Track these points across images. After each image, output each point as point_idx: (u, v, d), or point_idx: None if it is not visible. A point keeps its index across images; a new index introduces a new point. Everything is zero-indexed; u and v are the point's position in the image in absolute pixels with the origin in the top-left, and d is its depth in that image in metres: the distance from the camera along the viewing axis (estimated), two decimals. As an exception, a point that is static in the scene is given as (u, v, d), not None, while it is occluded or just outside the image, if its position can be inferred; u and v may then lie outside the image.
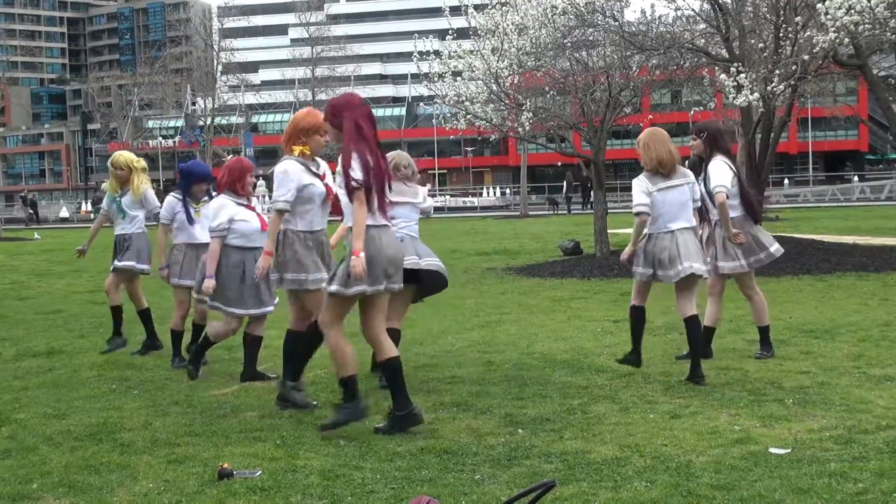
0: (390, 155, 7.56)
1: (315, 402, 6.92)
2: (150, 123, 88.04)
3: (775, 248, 8.22)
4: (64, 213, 65.03)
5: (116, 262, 9.45)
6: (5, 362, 9.17)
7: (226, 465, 5.26)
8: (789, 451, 5.39)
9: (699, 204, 7.86)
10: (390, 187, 6.30)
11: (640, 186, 7.54)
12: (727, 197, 7.88)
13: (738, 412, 6.33)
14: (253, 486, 5.03)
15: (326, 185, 6.83)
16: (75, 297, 15.03)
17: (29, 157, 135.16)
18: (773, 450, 5.42)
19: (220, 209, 7.61)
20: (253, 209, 7.78)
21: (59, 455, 5.75)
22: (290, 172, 6.68)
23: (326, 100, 57.44)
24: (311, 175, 6.76)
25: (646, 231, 7.61)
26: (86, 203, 79.58)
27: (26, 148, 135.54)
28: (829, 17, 14.14)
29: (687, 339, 7.59)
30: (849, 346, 8.60)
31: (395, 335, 7.03)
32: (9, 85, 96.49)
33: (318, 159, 6.97)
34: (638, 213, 7.55)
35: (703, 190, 7.99)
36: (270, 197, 7.17)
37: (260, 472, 5.28)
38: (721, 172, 7.93)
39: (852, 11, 13.97)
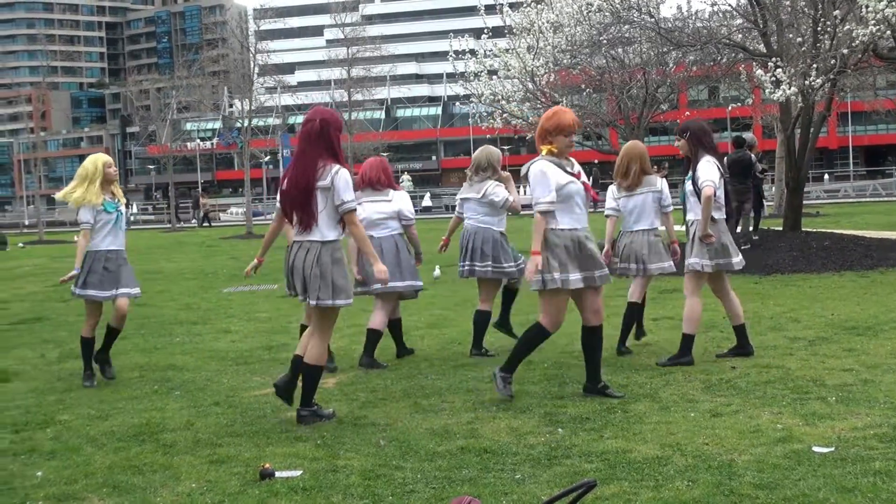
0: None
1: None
2: (188, 126, 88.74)
3: (738, 260, 8.07)
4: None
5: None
6: (49, 364, 9.29)
7: (267, 466, 5.29)
8: (833, 449, 5.34)
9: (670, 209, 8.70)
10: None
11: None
12: (714, 193, 7.81)
13: (780, 410, 6.27)
14: (294, 485, 5.05)
15: (584, 184, 6.94)
16: (116, 298, 15.17)
17: (69, 160, 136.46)
18: (816, 448, 5.36)
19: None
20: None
21: (102, 456, 5.81)
22: (547, 173, 6.75)
23: (363, 101, 57.60)
24: (567, 174, 6.81)
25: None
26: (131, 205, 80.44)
27: (66, 151, 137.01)
28: (869, 9, 13.99)
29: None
30: (892, 342, 8.50)
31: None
32: (49, 90, 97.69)
33: (571, 158, 7.02)
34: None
35: (689, 187, 7.99)
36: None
37: (301, 471, 5.30)
38: (710, 170, 7.86)
39: (893, 3, 13.81)
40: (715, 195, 7.83)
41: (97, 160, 8.24)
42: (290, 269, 6.51)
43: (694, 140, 8.05)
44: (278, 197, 6.71)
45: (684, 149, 8.14)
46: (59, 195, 8.40)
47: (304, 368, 6.49)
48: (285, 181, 6.50)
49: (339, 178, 6.33)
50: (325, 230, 6.36)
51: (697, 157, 7.99)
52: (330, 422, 6.45)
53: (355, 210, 6.45)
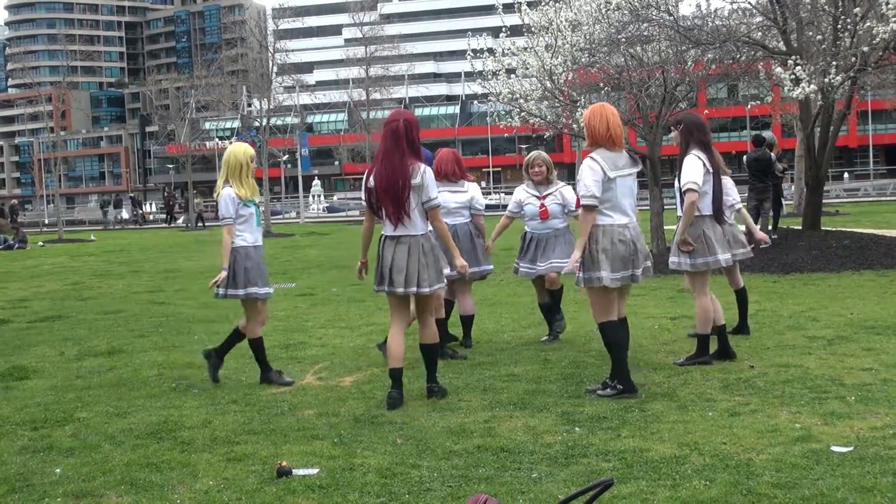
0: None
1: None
2: (207, 125, 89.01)
3: (725, 257, 7.95)
4: (124, 214, 66.12)
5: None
6: (68, 362, 9.33)
7: (284, 464, 5.30)
8: (852, 449, 5.31)
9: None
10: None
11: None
12: (697, 195, 7.73)
13: (798, 410, 6.24)
14: (311, 483, 5.06)
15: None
16: (135, 297, 15.25)
17: (89, 159, 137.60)
18: (835, 448, 5.34)
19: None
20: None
21: (120, 453, 5.84)
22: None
23: (381, 99, 57.66)
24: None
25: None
26: (147, 205, 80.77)
27: (86, 151, 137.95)
28: (890, 6, 13.90)
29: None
30: (912, 342, 8.45)
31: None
32: (69, 89, 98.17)
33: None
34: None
35: (676, 185, 7.94)
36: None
37: (318, 469, 5.31)
38: (692, 168, 7.73)
39: (914, 1, 13.73)
40: (699, 195, 7.76)
41: (245, 153, 7.81)
42: (389, 263, 6.79)
43: (685, 133, 7.90)
44: (364, 195, 7.01)
45: (676, 140, 8.05)
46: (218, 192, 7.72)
47: (427, 349, 6.96)
48: (371, 179, 6.84)
49: (428, 176, 6.78)
50: (421, 224, 6.82)
51: (685, 151, 7.88)
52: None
53: (440, 206, 6.93)
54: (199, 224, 48.00)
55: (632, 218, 6.97)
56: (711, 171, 7.80)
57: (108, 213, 61.18)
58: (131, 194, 67.74)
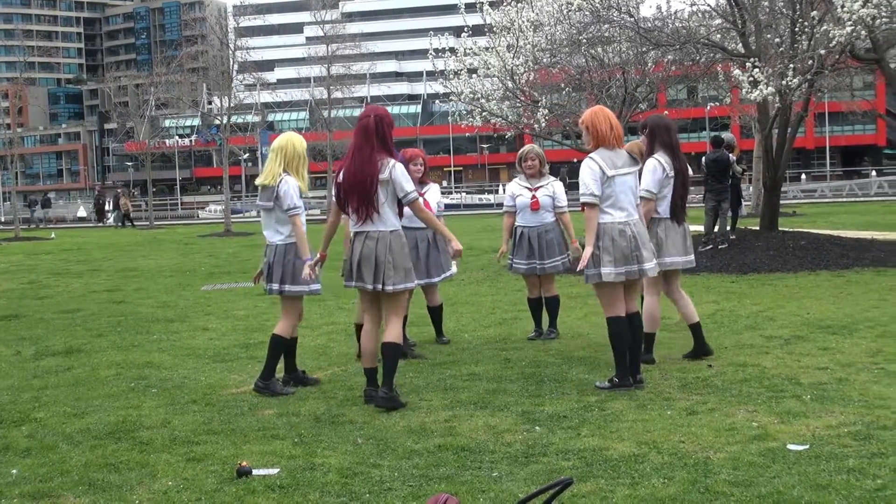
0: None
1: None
2: (167, 123, 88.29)
3: (674, 259, 7.94)
4: (81, 212, 65.46)
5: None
6: (25, 361, 9.23)
7: (244, 463, 5.28)
8: (807, 447, 5.38)
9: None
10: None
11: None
12: (653, 201, 7.81)
13: (755, 409, 6.31)
14: (271, 483, 5.05)
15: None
16: (93, 296, 15.11)
17: (46, 157, 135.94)
18: (791, 446, 5.40)
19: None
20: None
21: (78, 453, 5.78)
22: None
23: (343, 98, 57.40)
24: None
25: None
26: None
27: (44, 148, 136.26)
28: (845, 10, 14.08)
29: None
30: (867, 341, 8.57)
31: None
32: (26, 85, 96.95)
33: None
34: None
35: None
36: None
37: (278, 469, 5.30)
38: (648, 174, 7.80)
39: (869, 4, 13.91)
40: (656, 196, 7.82)
41: (303, 145, 7.55)
42: (357, 258, 6.76)
43: (650, 135, 7.99)
44: (334, 190, 6.99)
45: (644, 143, 8.14)
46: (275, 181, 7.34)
47: (387, 347, 6.73)
48: (341, 174, 6.82)
49: (397, 171, 6.73)
50: (390, 220, 6.76)
51: (650, 153, 7.96)
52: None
53: (419, 199, 6.83)
54: (128, 223, 47.81)
55: (632, 214, 7.10)
56: (672, 174, 7.86)
57: (34, 211, 60.31)
58: (118, 190, 67.09)
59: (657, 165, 7.82)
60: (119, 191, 59.88)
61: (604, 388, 7.00)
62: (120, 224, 48.48)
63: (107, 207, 58.54)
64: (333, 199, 7.02)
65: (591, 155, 7.11)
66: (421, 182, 9.04)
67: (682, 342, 8.75)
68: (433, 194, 9.18)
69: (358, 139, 6.81)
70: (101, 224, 54.69)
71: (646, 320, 7.90)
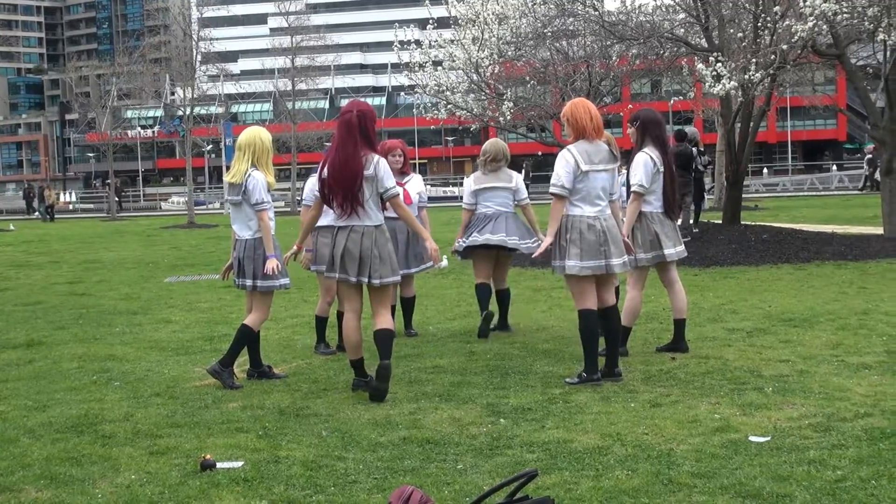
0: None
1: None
2: (129, 113, 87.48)
3: (670, 251, 8.00)
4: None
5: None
6: (-16, 354, 9.12)
7: (208, 457, 5.25)
8: (769, 439, 5.43)
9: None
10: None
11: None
12: (642, 195, 7.85)
13: (718, 401, 6.36)
14: (236, 476, 5.03)
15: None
16: (55, 288, 14.96)
17: (6, 147, 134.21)
18: (752, 438, 5.46)
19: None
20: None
21: (40, 447, 5.73)
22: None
23: (307, 90, 57.18)
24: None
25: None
26: (66, 194, 79.13)
27: (3, 139, 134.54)
28: (807, 5, 14.21)
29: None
30: (827, 334, 8.66)
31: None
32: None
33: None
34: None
35: (624, 179, 8.06)
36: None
37: (243, 462, 5.28)
38: (640, 168, 7.83)
39: (830, 0, 14.04)
40: (646, 191, 7.86)
41: (269, 139, 7.55)
42: (340, 252, 6.77)
43: (641, 129, 8.00)
44: (318, 185, 6.97)
45: (633, 137, 8.16)
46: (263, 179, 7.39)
47: (380, 333, 6.78)
48: (325, 170, 6.82)
49: (381, 166, 6.78)
50: (375, 214, 6.81)
51: (639, 147, 8.00)
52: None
53: (399, 194, 6.93)
54: (48, 216, 48.10)
55: (603, 210, 7.08)
56: (662, 168, 7.91)
57: None
58: (42, 183, 66.89)
59: (648, 160, 7.85)
60: (42, 184, 60.11)
61: (574, 384, 6.99)
62: (47, 217, 48.32)
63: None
64: (317, 193, 7.00)
65: (569, 146, 7.11)
66: (402, 172, 9.06)
67: (643, 336, 8.82)
68: (414, 184, 9.17)
69: (341, 134, 6.82)
70: (28, 217, 54.93)
71: (625, 314, 7.95)
